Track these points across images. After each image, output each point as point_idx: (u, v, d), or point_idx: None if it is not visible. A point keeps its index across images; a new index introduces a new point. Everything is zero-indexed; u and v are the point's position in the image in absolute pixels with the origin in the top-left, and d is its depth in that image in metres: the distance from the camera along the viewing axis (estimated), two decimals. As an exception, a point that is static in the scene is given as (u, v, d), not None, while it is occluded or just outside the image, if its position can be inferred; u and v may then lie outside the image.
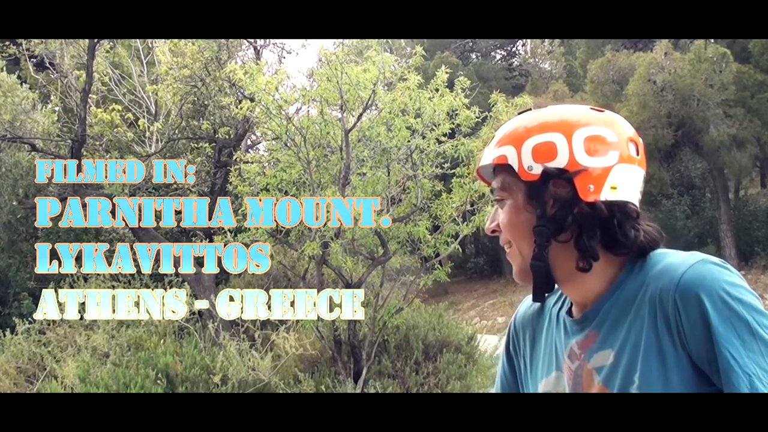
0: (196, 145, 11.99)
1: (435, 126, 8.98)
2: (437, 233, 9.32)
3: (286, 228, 9.56)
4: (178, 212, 11.66)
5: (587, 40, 30.01)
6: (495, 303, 26.40)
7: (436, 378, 9.54)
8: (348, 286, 9.28)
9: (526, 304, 2.02)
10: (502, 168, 1.81)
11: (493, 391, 2.12)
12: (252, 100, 8.94)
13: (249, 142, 12.59)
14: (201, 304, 9.48)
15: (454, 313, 17.01)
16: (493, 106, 9.12)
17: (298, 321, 9.44)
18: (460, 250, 10.02)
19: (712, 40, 24.00)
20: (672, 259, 1.72)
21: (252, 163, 10.15)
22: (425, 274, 9.81)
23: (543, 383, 1.88)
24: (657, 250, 1.73)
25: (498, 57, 40.67)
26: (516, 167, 1.75)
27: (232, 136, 11.07)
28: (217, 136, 11.07)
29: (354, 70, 8.52)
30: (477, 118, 9.04)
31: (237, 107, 9.22)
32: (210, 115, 11.39)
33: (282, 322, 9.34)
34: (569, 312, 1.85)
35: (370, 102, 8.72)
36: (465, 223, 9.19)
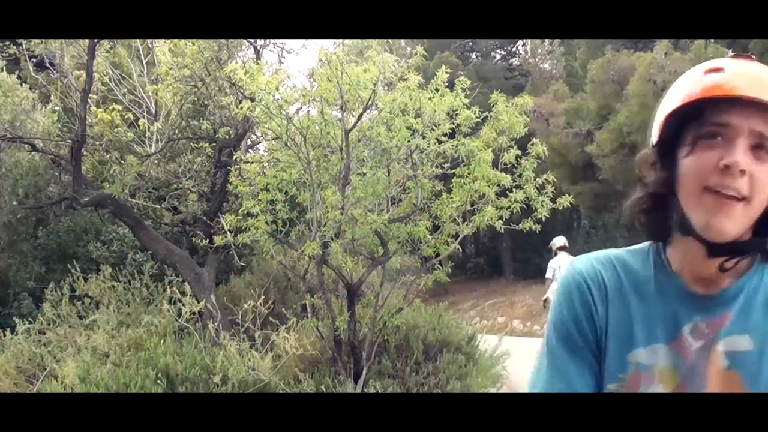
0: (196, 145, 11.99)
1: (435, 126, 8.98)
2: (437, 233, 9.31)
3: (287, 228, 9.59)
4: (178, 212, 11.70)
5: (588, 40, 30.01)
6: (495, 303, 26.43)
7: (436, 378, 9.53)
8: (348, 286, 9.29)
9: (587, 264, 1.89)
10: None
11: (545, 362, 1.90)
12: (252, 100, 8.93)
13: (249, 142, 12.58)
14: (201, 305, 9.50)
15: (455, 313, 16.95)
16: (493, 106, 9.10)
17: (298, 321, 9.45)
18: (460, 250, 10.01)
19: (712, 41, 24.01)
20: None
21: (252, 163, 10.15)
22: (425, 274, 9.81)
23: (640, 353, 1.77)
24: None
25: (498, 57, 40.78)
26: None
27: (232, 136, 11.06)
28: (217, 136, 11.06)
29: (354, 70, 8.51)
30: (477, 118, 9.03)
31: (237, 107, 9.21)
32: (210, 115, 11.39)
33: (282, 322, 9.35)
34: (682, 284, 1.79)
35: (370, 102, 8.71)
36: (465, 223, 9.17)
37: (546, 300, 16.12)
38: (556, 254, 15.87)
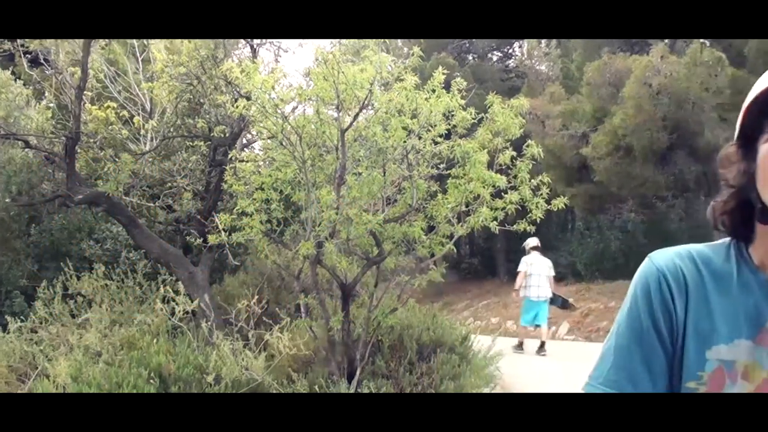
0: (191, 143, 11.95)
1: (431, 127, 8.97)
2: (432, 234, 9.31)
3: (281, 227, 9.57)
4: (172, 211, 11.66)
5: (584, 42, 30.04)
6: (489, 304, 26.45)
7: (429, 378, 9.53)
8: (342, 286, 9.27)
9: (667, 258, 1.85)
10: None
11: (612, 356, 1.82)
12: (248, 98, 8.91)
13: (244, 141, 12.54)
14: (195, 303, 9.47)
15: (448, 313, 17.00)
16: (489, 107, 9.10)
17: (292, 321, 9.43)
18: (455, 250, 10.00)
19: (708, 44, 24.05)
20: None
21: (247, 161, 10.11)
22: (420, 275, 9.80)
23: (721, 349, 1.73)
24: None
25: (494, 59, 40.76)
26: None
27: (227, 135, 11.03)
28: (212, 134, 11.02)
29: (351, 69, 8.50)
30: (473, 119, 9.03)
31: (233, 105, 9.17)
32: (205, 114, 11.35)
33: (276, 321, 9.33)
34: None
35: (366, 102, 8.69)
36: (460, 223, 9.16)
37: (517, 292, 17.07)
38: (529, 253, 16.86)
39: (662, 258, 1.84)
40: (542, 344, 16.73)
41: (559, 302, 18.52)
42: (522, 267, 16.89)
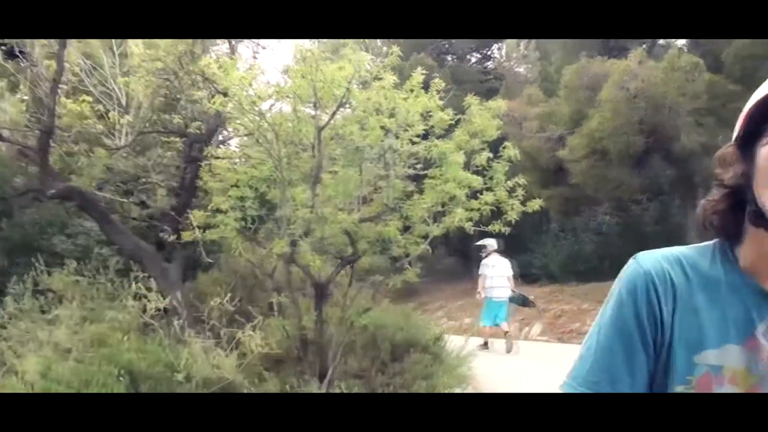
0: (166, 139, 11.86)
1: (409, 126, 8.96)
2: (407, 234, 9.30)
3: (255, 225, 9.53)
4: (146, 207, 11.57)
5: (563, 46, 30.18)
6: (463, 304, 26.46)
7: (402, 378, 9.53)
8: (316, 285, 9.24)
9: (655, 261, 1.82)
10: None
11: (589, 363, 1.80)
12: (225, 95, 8.86)
13: (220, 138, 12.47)
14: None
15: (422, 313, 17.09)
16: (467, 108, 9.10)
17: (264, 319, 9.38)
18: (430, 251, 9.99)
19: (686, 49, 24.19)
20: None
21: (223, 158, 10.06)
22: (395, 275, 9.78)
23: (709, 354, 1.72)
24: None
25: (473, 60, 40.85)
26: None
27: (203, 131, 10.96)
28: (188, 130, 10.95)
29: (329, 67, 8.47)
30: (451, 120, 9.03)
31: (210, 102, 9.12)
32: (182, 109, 11.28)
33: (248, 320, 9.28)
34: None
35: (344, 100, 8.67)
36: (435, 224, 9.16)
37: (479, 293, 17.50)
38: (488, 255, 17.23)
39: (649, 261, 1.82)
40: (509, 342, 17.02)
41: (519, 300, 18.70)
42: (484, 270, 17.28)
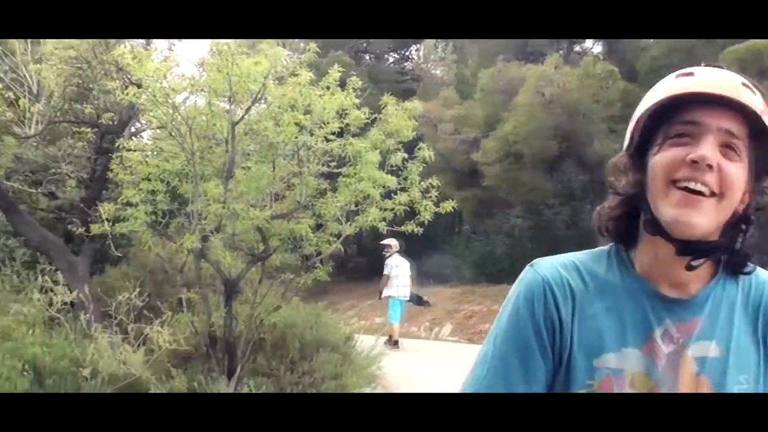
0: (77, 129, 11.66)
1: (324, 124, 8.95)
2: (320, 232, 9.28)
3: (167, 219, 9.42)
4: (55, 198, 11.37)
5: (480, 49, 30.43)
6: (374, 304, 26.45)
7: (311, 377, 9.51)
8: (226, 281, 9.17)
9: (552, 268, 1.81)
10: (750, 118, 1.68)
11: (485, 374, 1.77)
12: (139, 86, 8.75)
13: (133, 130, 12.31)
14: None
15: (333, 312, 17.07)
16: (383, 108, 9.12)
17: (173, 315, 9.28)
18: (342, 250, 9.98)
19: (602, 57, 24.57)
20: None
21: (135, 151, 9.92)
22: (306, 273, 9.76)
23: (609, 358, 1.72)
24: None
25: (391, 60, 40.98)
26: None
27: (115, 122, 10.80)
28: (100, 121, 10.79)
29: (245, 62, 8.42)
30: (366, 119, 9.04)
31: (123, 93, 8.99)
32: (94, 99, 11.11)
33: (157, 315, 9.17)
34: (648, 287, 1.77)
35: (259, 95, 8.63)
36: (348, 223, 9.17)
37: (381, 293, 18.14)
38: (391, 255, 17.68)
39: (546, 268, 1.82)
40: (393, 339, 17.62)
41: (414, 300, 19.35)
42: (388, 270, 17.74)
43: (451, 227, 32.82)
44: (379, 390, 10.97)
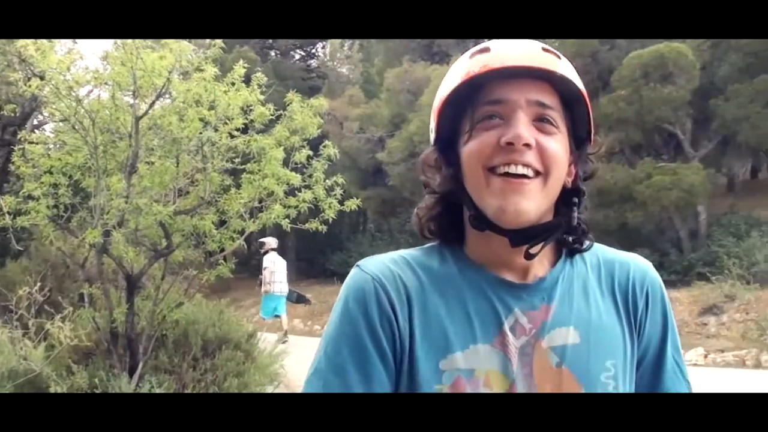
0: (-23, 121, 11.48)
1: (228, 120, 8.93)
2: (223, 228, 9.27)
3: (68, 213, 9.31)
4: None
5: (386, 49, 30.54)
6: (276, 302, 26.44)
7: (213, 375, 9.48)
8: (128, 277, 9.10)
9: (381, 266, 1.66)
10: (565, 89, 1.58)
11: (320, 381, 1.66)
12: (42, 78, 8.64)
13: (35, 122, 12.14)
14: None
15: (236, 309, 17.10)
16: (288, 105, 9.14)
17: (74, 310, 9.18)
18: (246, 246, 9.98)
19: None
20: (622, 254, 1.74)
21: (37, 143, 9.79)
22: (209, 269, 9.73)
23: (457, 358, 1.56)
24: None
25: (297, 57, 40.90)
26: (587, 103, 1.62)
27: (17, 114, 10.65)
28: (2, 112, 10.62)
29: (150, 56, 8.37)
30: (271, 115, 9.05)
31: (25, 84, 8.86)
32: (-5, 91, 10.93)
33: (58, 310, 9.06)
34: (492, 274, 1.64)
35: (163, 90, 8.58)
36: (252, 219, 9.17)
37: (267, 288, 18.56)
38: (267, 252, 18.34)
39: (374, 265, 1.67)
40: (285, 332, 18.12)
41: (294, 297, 20.18)
42: (269, 265, 18.28)
43: (355, 226, 32.93)
44: (281, 389, 10.99)
